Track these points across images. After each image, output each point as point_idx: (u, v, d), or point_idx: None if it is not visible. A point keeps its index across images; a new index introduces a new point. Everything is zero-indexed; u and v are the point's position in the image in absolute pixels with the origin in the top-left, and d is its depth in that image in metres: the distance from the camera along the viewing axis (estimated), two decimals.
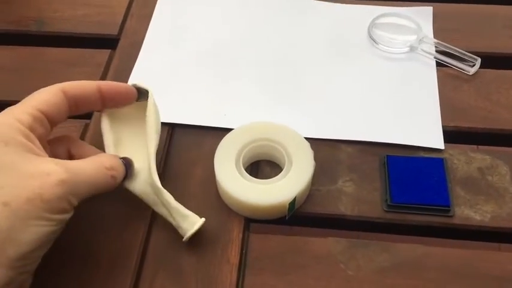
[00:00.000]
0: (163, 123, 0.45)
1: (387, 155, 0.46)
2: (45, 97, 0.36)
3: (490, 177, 0.45)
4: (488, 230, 0.42)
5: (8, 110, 0.35)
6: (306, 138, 0.45)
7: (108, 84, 0.40)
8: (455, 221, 0.42)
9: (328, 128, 0.48)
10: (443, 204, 0.43)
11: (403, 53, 0.54)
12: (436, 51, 0.54)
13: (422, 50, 0.54)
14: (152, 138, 0.41)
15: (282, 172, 0.43)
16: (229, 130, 0.46)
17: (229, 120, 0.49)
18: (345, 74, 0.53)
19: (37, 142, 0.34)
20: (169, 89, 0.52)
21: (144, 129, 0.42)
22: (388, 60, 0.54)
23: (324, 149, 0.47)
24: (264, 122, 0.46)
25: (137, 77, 0.53)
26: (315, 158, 0.44)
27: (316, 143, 0.47)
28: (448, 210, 0.43)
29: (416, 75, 0.52)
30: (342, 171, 0.46)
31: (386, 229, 0.43)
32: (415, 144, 0.47)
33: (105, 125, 0.42)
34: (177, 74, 0.53)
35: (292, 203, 0.42)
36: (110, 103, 0.40)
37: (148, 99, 0.42)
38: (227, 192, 0.42)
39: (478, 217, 0.42)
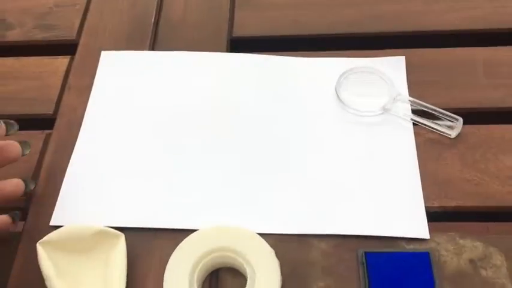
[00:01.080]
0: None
1: (365, 252, 0.40)
2: None
3: (484, 272, 0.39)
4: None
5: None
6: (272, 235, 0.40)
7: None
8: None
9: (296, 221, 0.42)
10: None
11: (375, 115, 0.48)
12: (412, 110, 0.48)
13: (397, 111, 0.48)
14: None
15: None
16: (186, 232, 0.40)
17: (186, 220, 0.42)
18: (312, 150, 0.46)
19: None
20: (113, 183, 0.45)
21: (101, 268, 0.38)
22: (359, 125, 0.48)
23: (293, 247, 0.41)
24: (222, 228, 0.40)
25: (76, 169, 0.46)
26: (284, 260, 0.38)
27: (284, 240, 0.41)
28: None
29: (392, 143, 0.46)
30: (315, 275, 0.40)
31: None
32: (395, 235, 0.41)
33: (43, 255, 0.37)
34: (121, 161, 0.46)
35: None
36: None
37: (118, 246, 0.38)
38: None
39: None
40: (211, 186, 0.45)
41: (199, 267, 0.38)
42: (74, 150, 0.47)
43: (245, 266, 0.38)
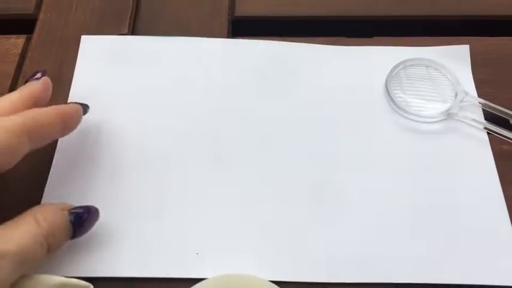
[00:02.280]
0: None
1: None
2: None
3: None
4: None
5: None
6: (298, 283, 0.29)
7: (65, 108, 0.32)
8: None
9: (329, 266, 0.31)
10: None
11: (437, 121, 0.37)
12: (485, 116, 0.37)
13: (465, 116, 0.37)
14: None
15: None
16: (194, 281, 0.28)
17: (184, 266, 0.30)
18: (353, 170, 0.35)
19: None
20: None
21: None
22: (417, 134, 0.36)
23: None
24: (233, 278, 0.27)
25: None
26: None
27: None
28: None
29: (462, 158, 0.35)
30: None
31: None
32: (480, 283, 0.30)
33: None
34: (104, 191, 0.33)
35: None
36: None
37: None
38: None
39: None
40: (220, 220, 0.32)
41: None
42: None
43: None
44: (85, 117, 0.34)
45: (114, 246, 0.31)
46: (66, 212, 0.29)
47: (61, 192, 0.33)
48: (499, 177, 0.34)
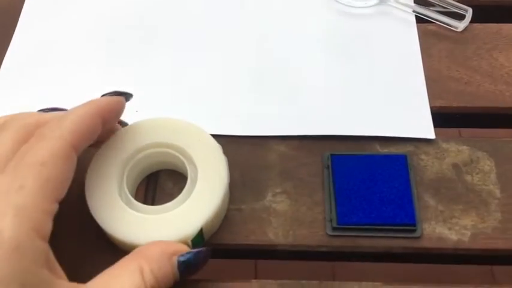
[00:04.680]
0: None
1: (331, 154, 0.33)
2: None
3: (469, 177, 0.33)
4: (468, 253, 0.31)
5: (20, 208, 0.23)
6: (224, 136, 0.33)
7: (103, 103, 0.28)
8: (424, 243, 0.31)
9: (255, 121, 0.35)
10: (407, 223, 0.31)
11: (371, 6, 0.41)
12: (415, 1, 0.41)
13: (396, 1, 0.41)
14: None
15: (183, 192, 0.31)
16: None
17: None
18: (285, 43, 0.39)
19: (55, 264, 0.25)
20: (48, 78, 0.38)
21: None
22: (350, 18, 0.40)
23: (247, 149, 0.34)
24: (155, 120, 0.33)
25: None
26: (235, 164, 0.33)
27: (237, 142, 0.34)
28: (414, 230, 0.31)
29: (389, 38, 0.39)
30: (271, 180, 0.33)
31: (333, 257, 0.32)
32: (392, 135, 0.35)
33: None
34: (61, 56, 0.39)
35: (198, 236, 0.30)
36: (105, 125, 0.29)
37: None
38: (104, 229, 0.29)
39: (454, 236, 0.31)
40: (155, 79, 0.38)
41: (129, 167, 0.31)
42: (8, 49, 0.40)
43: (186, 164, 0.31)
44: None
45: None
46: (175, 261, 0.26)
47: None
48: (424, 51, 0.38)
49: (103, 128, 0.28)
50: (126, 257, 0.26)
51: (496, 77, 0.37)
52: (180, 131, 0.32)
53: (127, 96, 0.30)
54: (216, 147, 0.31)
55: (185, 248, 0.27)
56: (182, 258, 0.26)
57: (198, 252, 0.27)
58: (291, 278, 0.30)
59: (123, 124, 0.32)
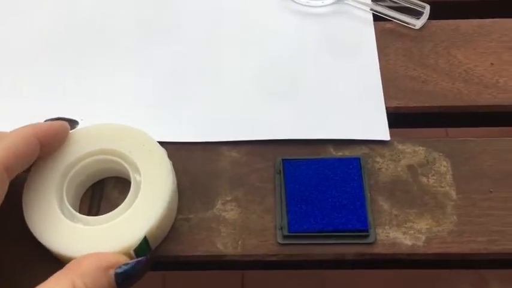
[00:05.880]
0: None
1: (283, 159, 0.32)
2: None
3: (424, 179, 0.32)
4: (423, 259, 0.30)
5: None
6: (175, 143, 0.33)
7: (43, 127, 0.28)
8: (378, 249, 0.30)
9: (206, 127, 0.34)
10: (359, 228, 0.30)
11: (328, 5, 0.40)
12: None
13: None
14: None
15: (126, 200, 0.30)
16: None
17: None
18: (239, 46, 0.38)
19: None
20: None
21: None
22: (306, 17, 0.39)
23: (198, 156, 0.33)
24: (97, 126, 0.31)
25: None
26: (185, 171, 0.32)
27: (188, 149, 0.33)
28: (367, 236, 0.30)
29: (346, 37, 0.38)
30: (221, 188, 0.32)
31: (285, 266, 0.31)
32: (347, 138, 0.34)
33: None
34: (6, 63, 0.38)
35: (143, 246, 0.28)
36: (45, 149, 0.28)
37: None
38: (41, 241, 0.28)
39: (408, 241, 0.30)
40: (101, 86, 0.36)
41: (69, 177, 0.30)
42: None
43: (129, 170, 0.30)
44: None
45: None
46: (111, 273, 0.25)
47: None
48: (381, 50, 0.37)
49: (44, 152, 0.28)
50: (60, 271, 0.25)
51: (453, 75, 0.36)
52: (123, 136, 0.31)
53: (71, 122, 0.30)
54: (161, 152, 0.30)
55: (122, 259, 0.26)
56: (119, 270, 0.25)
57: (136, 263, 0.26)
58: None
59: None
